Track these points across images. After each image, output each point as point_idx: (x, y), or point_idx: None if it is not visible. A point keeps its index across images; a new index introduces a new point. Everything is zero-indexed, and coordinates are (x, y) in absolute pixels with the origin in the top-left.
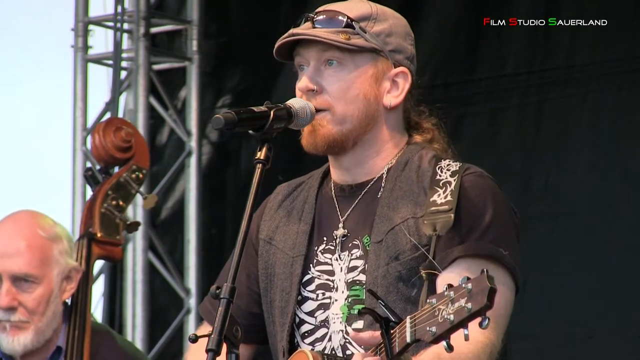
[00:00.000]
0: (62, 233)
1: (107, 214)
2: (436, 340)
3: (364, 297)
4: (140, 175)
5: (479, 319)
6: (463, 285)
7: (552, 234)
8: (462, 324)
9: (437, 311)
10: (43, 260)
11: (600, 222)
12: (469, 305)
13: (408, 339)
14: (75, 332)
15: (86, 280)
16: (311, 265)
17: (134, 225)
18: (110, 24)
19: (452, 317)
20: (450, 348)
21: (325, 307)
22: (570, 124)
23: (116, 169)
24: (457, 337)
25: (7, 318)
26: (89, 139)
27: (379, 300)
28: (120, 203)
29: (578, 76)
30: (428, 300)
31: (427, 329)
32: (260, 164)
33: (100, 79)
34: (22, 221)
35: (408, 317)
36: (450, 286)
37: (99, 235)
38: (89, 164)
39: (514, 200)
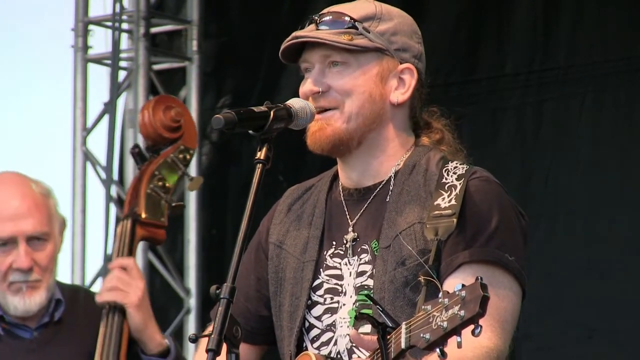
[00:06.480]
0: (49, 187)
1: (152, 195)
2: (430, 346)
3: (371, 303)
4: (188, 156)
5: (472, 327)
6: (457, 292)
7: (552, 234)
8: (456, 331)
9: (431, 318)
10: (49, 217)
11: (600, 222)
12: (462, 312)
13: (403, 345)
14: (115, 319)
15: None
16: (321, 269)
17: (179, 208)
18: (110, 24)
19: (445, 324)
20: (443, 355)
21: (332, 311)
22: (569, 124)
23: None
24: (463, 341)
25: (24, 279)
26: (89, 139)
27: (377, 305)
28: (167, 184)
29: (577, 76)
30: (423, 307)
31: (421, 335)
32: (261, 164)
33: (100, 79)
34: (16, 182)
35: (404, 323)
36: (445, 293)
37: (143, 216)
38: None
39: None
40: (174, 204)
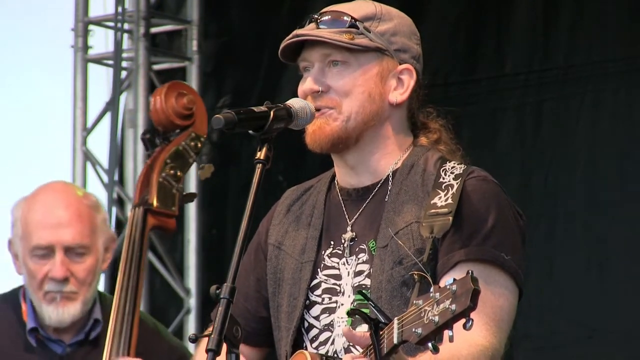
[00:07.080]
0: (100, 202)
1: (164, 184)
2: (422, 341)
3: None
4: (199, 144)
5: (463, 321)
6: (448, 286)
7: (552, 234)
8: (447, 325)
9: (423, 312)
10: (92, 230)
11: (600, 222)
12: (453, 306)
13: (395, 340)
14: (126, 308)
15: (140, 252)
16: (319, 269)
17: (190, 197)
18: (110, 24)
19: (437, 318)
20: (435, 349)
21: (330, 311)
22: (569, 124)
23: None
24: (457, 339)
25: (59, 289)
26: (89, 139)
27: (369, 302)
28: (178, 173)
29: (577, 76)
30: (415, 302)
31: (413, 330)
32: (260, 164)
33: (100, 79)
34: (63, 191)
35: (396, 318)
36: (437, 287)
37: (155, 205)
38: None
39: (514, 201)
40: (185, 193)
